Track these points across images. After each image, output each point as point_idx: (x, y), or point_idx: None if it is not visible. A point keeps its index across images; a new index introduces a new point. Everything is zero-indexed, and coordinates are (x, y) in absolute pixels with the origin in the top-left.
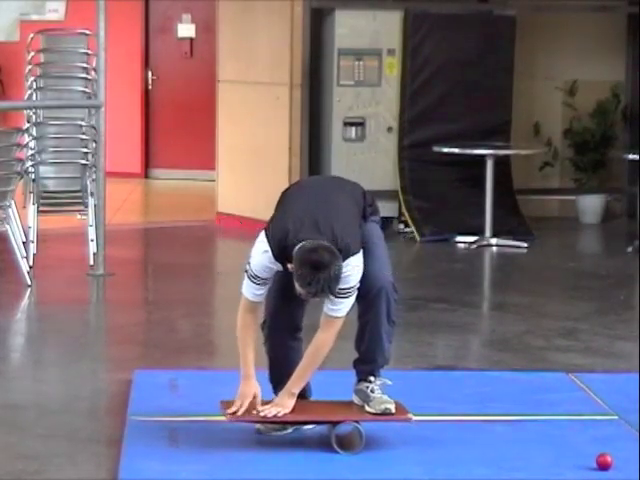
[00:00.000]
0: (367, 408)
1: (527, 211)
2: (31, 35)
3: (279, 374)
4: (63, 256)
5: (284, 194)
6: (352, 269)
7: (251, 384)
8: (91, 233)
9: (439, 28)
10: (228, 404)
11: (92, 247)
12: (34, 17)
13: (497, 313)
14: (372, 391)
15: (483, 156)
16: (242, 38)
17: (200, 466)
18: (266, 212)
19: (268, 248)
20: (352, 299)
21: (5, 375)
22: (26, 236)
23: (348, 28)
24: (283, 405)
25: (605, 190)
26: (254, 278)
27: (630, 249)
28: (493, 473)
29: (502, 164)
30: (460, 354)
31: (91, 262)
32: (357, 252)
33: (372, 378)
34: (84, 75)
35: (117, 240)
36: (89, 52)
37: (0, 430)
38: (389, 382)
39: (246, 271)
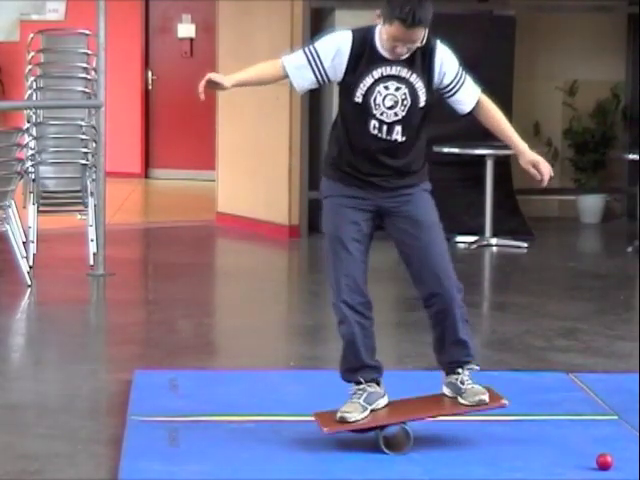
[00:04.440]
0: (460, 400)
1: (527, 211)
2: (31, 35)
3: (358, 358)
4: (63, 256)
5: None
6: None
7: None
8: (91, 233)
9: (439, 28)
10: (322, 417)
11: (92, 247)
12: (34, 17)
13: (497, 313)
14: (462, 382)
15: (483, 156)
16: (242, 38)
17: (200, 466)
18: (266, 212)
19: (350, 39)
20: (468, 80)
21: (5, 375)
22: (26, 236)
23: (348, 28)
24: (541, 158)
25: (605, 190)
26: (309, 52)
27: (630, 249)
28: (493, 473)
29: (502, 164)
30: None
31: (91, 262)
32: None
33: (460, 370)
34: (84, 75)
35: (117, 240)
36: (89, 52)
37: (0, 430)
38: (477, 368)
39: (304, 49)
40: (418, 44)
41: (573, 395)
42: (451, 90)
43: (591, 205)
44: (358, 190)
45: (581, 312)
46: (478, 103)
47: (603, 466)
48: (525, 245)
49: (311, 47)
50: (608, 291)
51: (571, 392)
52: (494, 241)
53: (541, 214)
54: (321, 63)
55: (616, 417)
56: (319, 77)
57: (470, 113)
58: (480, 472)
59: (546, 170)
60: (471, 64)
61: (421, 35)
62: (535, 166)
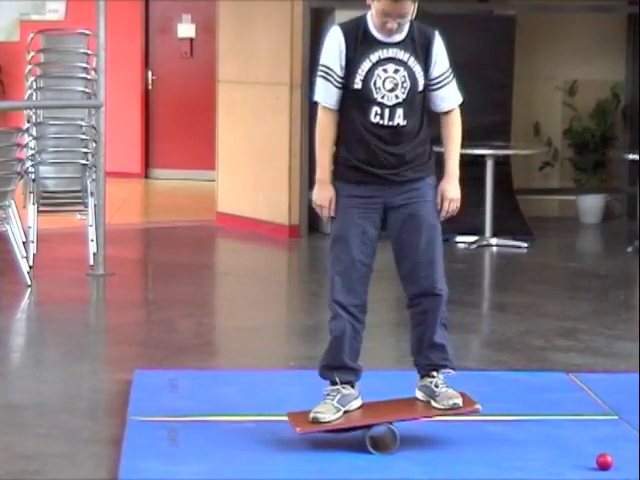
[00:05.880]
0: (434, 404)
1: (527, 211)
2: (31, 35)
3: (339, 357)
4: (63, 256)
5: None
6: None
7: (328, 188)
8: (91, 233)
9: (439, 28)
10: (296, 417)
11: (92, 247)
12: (34, 17)
13: (497, 313)
14: (436, 386)
15: (483, 156)
16: (242, 38)
17: (200, 466)
18: (266, 212)
19: (338, 29)
20: (454, 83)
21: (5, 375)
22: (26, 236)
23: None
24: (457, 194)
25: (605, 190)
26: (326, 73)
27: (630, 249)
28: (493, 473)
29: (502, 164)
30: (460, 354)
31: (91, 262)
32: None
33: (435, 373)
34: (84, 75)
35: (117, 240)
36: (89, 52)
37: (0, 430)
38: (452, 372)
39: (318, 74)
40: (408, 19)
41: (573, 395)
42: (438, 83)
43: (591, 205)
44: (366, 188)
45: (581, 312)
46: (453, 110)
47: (603, 466)
48: (525, 245)
49: (321, 67)
50: (608, 291)
51: (571, 392)
52: (494, 241)
53: (541, 214)
54: (335, 73)
55: (616, 417)
56: (338, 84)
57: (444, 115)
58: (480, 472)
59: (447, 209)
60: (471, 64)
61: (410, 9)
62: (443, 198)
